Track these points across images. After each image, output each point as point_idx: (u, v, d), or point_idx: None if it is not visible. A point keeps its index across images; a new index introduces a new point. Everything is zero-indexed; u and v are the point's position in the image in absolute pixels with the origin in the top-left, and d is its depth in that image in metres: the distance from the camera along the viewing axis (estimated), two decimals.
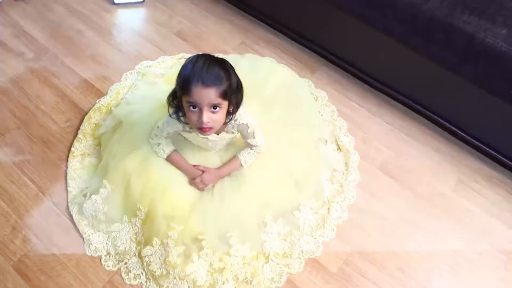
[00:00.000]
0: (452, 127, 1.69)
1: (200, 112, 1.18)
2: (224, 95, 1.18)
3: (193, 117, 1.20)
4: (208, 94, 1.15)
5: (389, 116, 1.79)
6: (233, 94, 1.22)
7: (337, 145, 1.67)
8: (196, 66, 1.16)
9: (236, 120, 1.32)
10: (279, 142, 1.51)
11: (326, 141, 1.67)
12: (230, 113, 1.27)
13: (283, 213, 1.46)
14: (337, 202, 1.52)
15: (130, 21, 2.05)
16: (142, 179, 1.38)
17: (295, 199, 1.48)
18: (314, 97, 1.79)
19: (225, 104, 1.20)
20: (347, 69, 1.87)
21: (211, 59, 1.20)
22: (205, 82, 1.14)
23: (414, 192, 1.59)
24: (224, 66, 1.20)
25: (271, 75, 1.66)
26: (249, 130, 1.35)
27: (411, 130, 1.76)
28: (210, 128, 1.21)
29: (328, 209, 1.51)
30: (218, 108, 1.19)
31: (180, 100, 1.24)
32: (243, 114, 1.32)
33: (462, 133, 1.68)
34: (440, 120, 1.71)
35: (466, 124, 1.66)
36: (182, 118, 1.29)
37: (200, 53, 1.23)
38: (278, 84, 1.65)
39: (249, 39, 1.98)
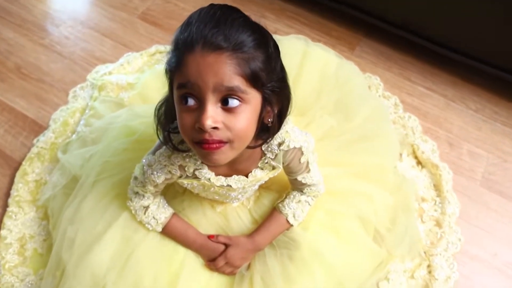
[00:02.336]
0: None
1: (200, 107, 0.59)
2: (252, 75, 0.58)
3: (187, 118, 0.60)
4: (215, 64, 0.56)
5: (474, 100, 1.24)
6: (274, 82, 0.63)
7: (416, 157, 1.10)
8: (200, 17, 0.59)
9: (282, 144, 0.73)
10: (338, 174, 0.94)
11: (401, 155, 1.09)
12: (267, 129, 0.67)
13: None
14: (440, 254, 0.97)
15: (69, 6, 1.38)
16: (128, 284, 0.79)
17: (381, 264, 0.91)
18: None
19: (253, 96, 0.60)
20: (401, 37, 1.27)
21: (230, 9, 0.61)
22: (212, 41, 0.56)
23: None
24: (257, 28, 0.61)
25: (306, 64, 1.05)
26: (302, 160, 0.77)
27: (510, 117, 1.20)
28: (221, 142, 0.60)
29: (429, 267, 0.96)
30: (236, 102, 0.58)
31: (174, 105, 0.64)
32: (290, 131, 0.73)
33: None
34: None
35: None
36: (180, 146, 0.71)
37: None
38: (319, 78, 1.05)
39: (250, 11, 1.34)
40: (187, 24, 0.59)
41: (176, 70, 0.60)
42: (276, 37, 1.13)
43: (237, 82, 0.57)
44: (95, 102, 1.12)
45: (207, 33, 0.56)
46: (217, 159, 0.62)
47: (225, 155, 0.62)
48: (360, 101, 1.04)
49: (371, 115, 1.02)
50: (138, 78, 1.16)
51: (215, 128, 0.58)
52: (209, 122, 0.57)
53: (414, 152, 1.11)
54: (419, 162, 1.10)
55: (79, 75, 1.22)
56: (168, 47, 1.21)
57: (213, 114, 0.58)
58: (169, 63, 0.62)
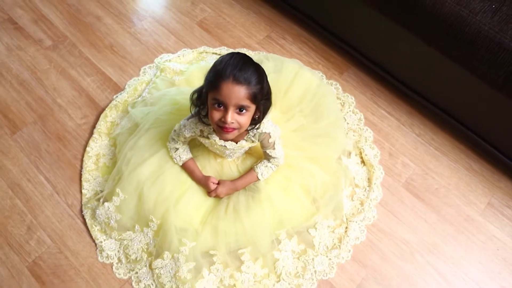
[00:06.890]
0: (488, 146, 1.56)
1: (226, 110, 1.13)
2: (253, 98, 1.13)
3: (216, 114, 1.15)
4: (237, 92, 1.10)
5: (419, 128, 1.67)
6: (263, 99, 1.18)
7: (361, 158, 1.58)
8: (230, 61, 1.12)
9: (258, 128, 1.26)
10: (299, 156, 1.44)
11: (350, 153, 1.57)
12: (254, 121, 1.22)
13: (299, 231, 1.41)
14: (356, 222, 1.46)
15: (151, 7, 1.95)
16: (156, 189, 1.35)
17: (312, 217, 1.42)
18: (341, 103, 1.69)
19: (252, 108, 1.16)
20: (378, 73, 1.73)
21: (247, 59, 1.16)
22: (237, 78, 1.09)
23: (439, 214, 1.50)
24: (259, 69, 1.16)
25: (296, 80, 1.55)
26: (270, 140, 1.30)
27: (443, 144, 1.64)
28: (233, 129, 1.17)
29: (346, 228, 1.45)
30: (244, 111, 1.14)
31: (205, 97, 1.19)
32: (266, 122, 1.27)
33: (498, 153, 1.55)
34: (476, 137, 1.58)
35: (504, 144, 1.52)
36: (204, 119, 1.25)
37: (236, 51, 1.21)
38: (303, 91, 1.55)
39: (275, 32, 1.85)
40: (223, 62, 1.13)
41: (213, 88, 1.13)
42: (282, 58, 1.66)
43: (246, 102, 1.12)
44: (156, 79, 1.68)
45: (235, 73, 1.10)
46: (228, 136, 1.20)
47: (233, 135, 1.19)
48: (328, 112, 1.53)
49: (331, 123, 1.51)
50: (187, 68, 1.70)
51: (232, 122, 1.13)
52: (230, 120, 1.13)
53: (360, 153, 1.58)
54: (362, 161, 1.58)
55: (149, 58, 1.78)
56: (210, 49, 1.79)
57: (232, 116, 1.13)
58: (210, 83, 1.14)
